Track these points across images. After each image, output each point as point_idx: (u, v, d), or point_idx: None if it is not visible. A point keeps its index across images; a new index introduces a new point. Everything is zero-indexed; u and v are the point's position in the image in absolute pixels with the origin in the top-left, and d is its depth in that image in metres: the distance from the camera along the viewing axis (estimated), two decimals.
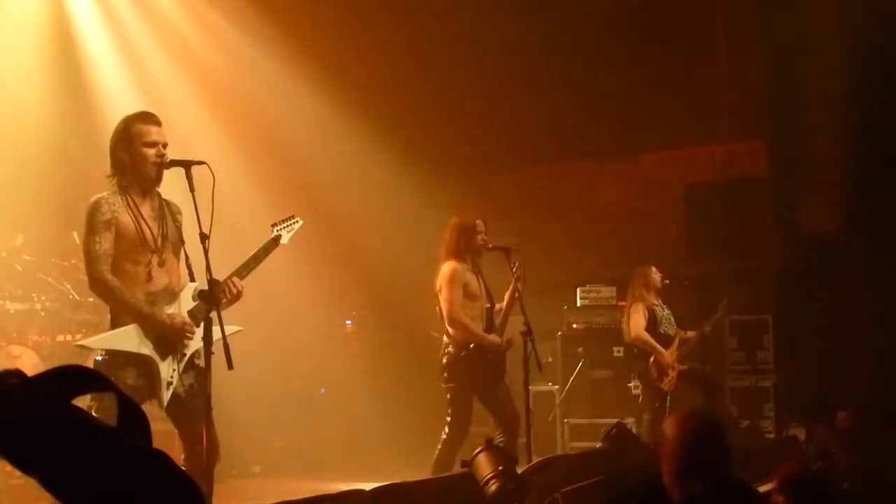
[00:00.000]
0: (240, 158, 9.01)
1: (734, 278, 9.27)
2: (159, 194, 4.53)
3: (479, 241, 6.57)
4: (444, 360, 6.49)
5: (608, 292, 9.31)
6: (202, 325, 4.26)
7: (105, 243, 4.30)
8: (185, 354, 4.40)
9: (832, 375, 8.02)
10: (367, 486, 4.11)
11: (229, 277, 4.53)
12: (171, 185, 4.62)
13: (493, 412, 6.55)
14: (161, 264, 4.42)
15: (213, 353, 4.12)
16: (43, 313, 7.60)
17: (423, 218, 9.62)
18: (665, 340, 8.09)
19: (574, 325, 9.27)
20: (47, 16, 8.68)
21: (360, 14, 9.71)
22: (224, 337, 4.09)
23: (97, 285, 4.34)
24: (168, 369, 4.35)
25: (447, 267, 6.53)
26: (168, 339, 4.35)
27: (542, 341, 7.26)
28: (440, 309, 6.54)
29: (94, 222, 4.32)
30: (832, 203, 8.46)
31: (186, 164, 4.38)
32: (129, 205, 4.38)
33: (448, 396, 6.48)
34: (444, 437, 6.42)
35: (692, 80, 9.53)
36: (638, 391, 8.35)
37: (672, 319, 8.24)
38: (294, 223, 4.91)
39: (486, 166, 10.59)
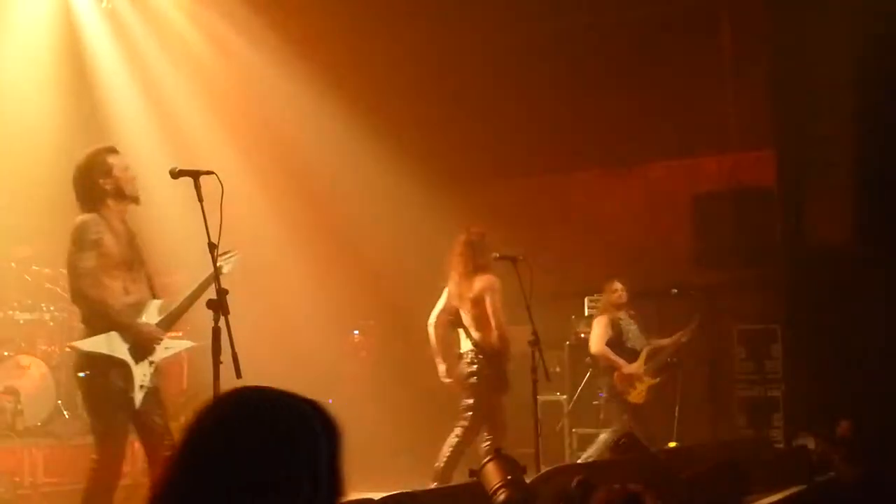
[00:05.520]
0: (247, 168, 9.03)
1: (742, 288, 9.24)
2: (126, 221, 5.00)
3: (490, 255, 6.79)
4: (475, 367, 6.67)
5: None
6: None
7: (90, 261, 4.74)
8: (153, 361, 4.90)
9: (841, 385, 7.99)
10: (376, 495, 4.11)
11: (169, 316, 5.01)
12: (180, 195, 4.64)
13: (499, 417, 6.68)
14: (134, 280, 4.92)
15: (221, 363, 4.15)
16: (52, 323, 7.62)
17: (430, 228, 9.62)
18: (631, 355, 8.12)
19: (582, 335, 9.25)
20: (57, 30, 8.71)
21: (368, 25, 9.73)
22: (233, 346, 4.13)
23: (81, 299, 4.83)
24: (140, 373, 4.83)
25: (489, 280, 6.72)
26: (142, 345, 4.84)
27: (550, 351, 7.26)
28: (466, 314, 6.71)
29: (82, 241, 4.76)
30: (840, 212, 8.44)
31: (195, 174, 4.42)
32: (110, 227, 4.84)
33: (472, 401, 6.65)
34: (458, 440, 6.60)
35: (699, 89, 9.53)
36: (604, 404, 8.41)
37: (640, 334, 8.28)
38: (232, 256, 5.18)
39: (494, 176, 10.60)
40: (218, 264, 4.93)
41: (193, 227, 4.62)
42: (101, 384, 4.76)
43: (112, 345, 4.77)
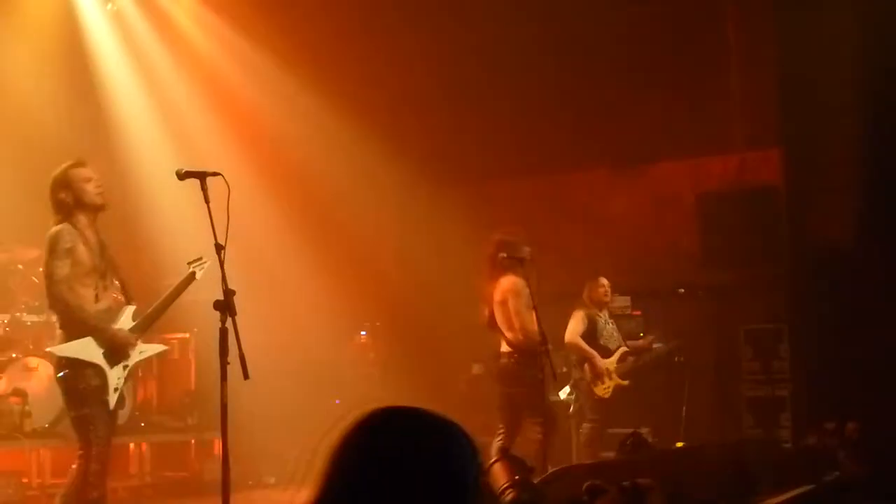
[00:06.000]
0: (254, 169, 9.05)
1: (749, 287, 9.23)
2: (97, 231, 5.20)
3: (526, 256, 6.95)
4: (512, 367, 6.86)
5: (622, 301, 9.27)
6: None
7: (65, 268, 5.00)
8: (127, 365, 5.16)
9: (849, 384, 7.97)
10: None
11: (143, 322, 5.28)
12: (187, 197, 4.65)
13: (529, 413, 6.84)
14: (105, 288, 5.18)
15: (228, 364, 4.16)
16: None
17: (436, 228, 9.63)
18: (603, 352, 8.10)
19: None
20: (64, 32, 8.74)
21: (374, 27, 9.74)
22: (240, 347, 4.14)
23: (58, 304, 5.08)
24: (114, 376, 5.11)
25: (511, 281, 6.84)
26: (116, 350, 5.11)
27: (556, 351, 7.29)
28: (497, 316, 6.84)
29: (57, 249, 5.01)
30: (847, 211, 8.42)
31: (201, 176, 4.44)
32: (82, 237, 5.08)
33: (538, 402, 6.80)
34: (541, 437, 6.69)
35: (705, 88, 9.51)
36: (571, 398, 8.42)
37: (616, 335, 8.24)
38: (204, 263, 5.37)
39: (500, 176, 10.59)
40: (191, 270, 5.34)
41: (201, 228, 4.64)
42: (79, 382, 5.06)
43: (87, 350, 5.05)
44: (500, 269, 6.86)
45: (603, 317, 8.24)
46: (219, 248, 4.27)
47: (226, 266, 4.30)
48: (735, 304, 8.96)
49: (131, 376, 5.30)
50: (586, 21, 9.69)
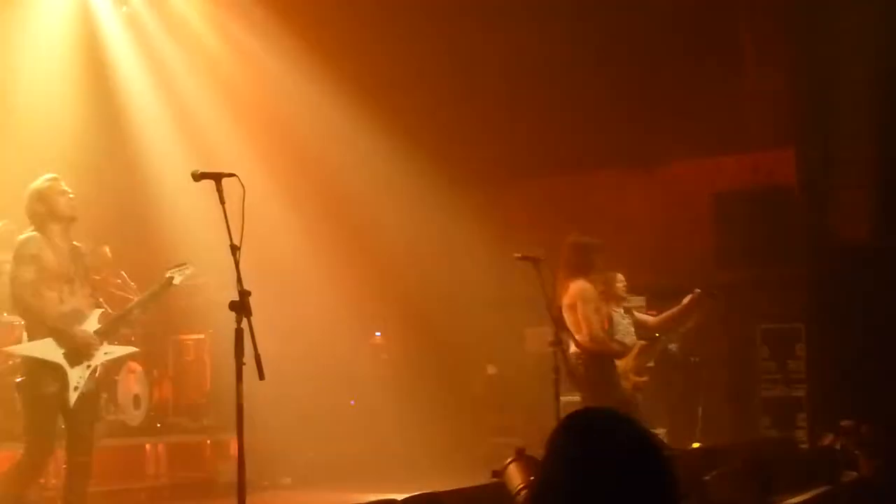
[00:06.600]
0: (269, 171, 9.06)
1: (764, 287, 9.19)
2: (70, 240, 5.49)
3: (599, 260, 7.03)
4: (582, 369, 6.82)
5: (637, 301, 9.23)
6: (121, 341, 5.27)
7: (31, 273, 5.27)
8: (89, 365, 5.37)
9: (866, 383, 7.93)
10: (398, 496, 4.11)
11: (121, 317, 5.65)
12: (201, 197, 4.65)
13: None
14: (72, 293, 5.40)
15: (244, 364, 4.15)
16: None
17: (451, 229, 9.62)
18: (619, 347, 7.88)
19: None
20: (79, 35, 8.77)
21: (387, 28, 9.74)
22: (255, 348, 4.13)
23: (21, 308, 5.40)
24: (76, 376, 5.31)
25: (580, 286, 6.84)
26: (77, 350, 5.32)
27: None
28: (566, 318, 6.83)
29: (23, 256, 5.30)
30: (863, 209, 8.38)
31: (217, 177, 4.42)
32: (50, 243, 5.34)
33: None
34: None
35: (720, 88, 9.48)
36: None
37: (632, 330, 8.05)
38: (185, 269, 5.63)
39: (515, 177, 10.59)
40: (168, 275, 5.54)
41: (216, 229, 4.63)
42: (35, 388, 5.25)
43: (46, 349, 5.27)
44: (571, 272, 6.89)
45: (619, 312, 8.13)
46: (234, 249, 4.26)
47: (242, 267, 4.29)
48: (751, 304, 8.92)
49: (94, 378, 5.46)
50: (601, 23, 9.67)
